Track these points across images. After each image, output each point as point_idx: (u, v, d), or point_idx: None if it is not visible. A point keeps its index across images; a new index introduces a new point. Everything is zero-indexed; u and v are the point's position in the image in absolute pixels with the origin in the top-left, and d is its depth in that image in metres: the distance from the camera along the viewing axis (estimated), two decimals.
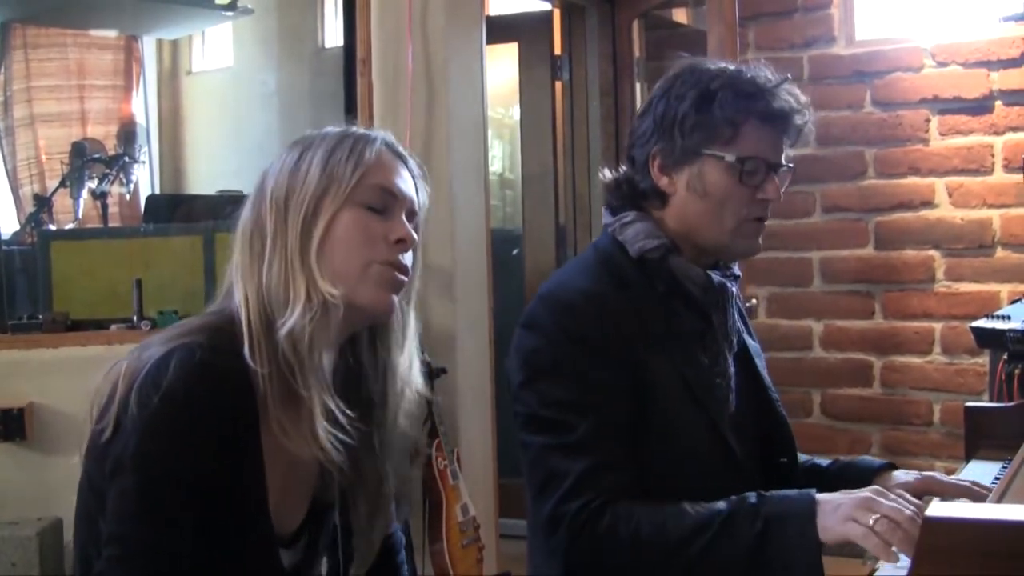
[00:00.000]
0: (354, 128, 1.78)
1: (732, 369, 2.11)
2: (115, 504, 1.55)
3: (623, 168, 2.15)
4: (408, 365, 1.83)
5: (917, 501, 1.74)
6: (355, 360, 1.82)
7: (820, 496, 1.78)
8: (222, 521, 1.59)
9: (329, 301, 1.65)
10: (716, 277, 2.07)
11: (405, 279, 1.73)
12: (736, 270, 2.17)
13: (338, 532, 1.85)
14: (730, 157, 1.99)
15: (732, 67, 2.06)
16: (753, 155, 2.00)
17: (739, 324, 2.17)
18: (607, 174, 2.16)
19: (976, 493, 2.01)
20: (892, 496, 1.74)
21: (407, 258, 1.73)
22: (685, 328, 2.05)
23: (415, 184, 1.79)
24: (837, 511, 1.73)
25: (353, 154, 1.71)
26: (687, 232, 2.05)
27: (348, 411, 1.69)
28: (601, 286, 2.00)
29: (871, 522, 1.68)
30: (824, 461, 2.30)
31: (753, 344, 2.25)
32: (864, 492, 1.75)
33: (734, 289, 2.12)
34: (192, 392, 1.54)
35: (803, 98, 2.05)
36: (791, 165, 2.08)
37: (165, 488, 1.53)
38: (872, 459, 2.24)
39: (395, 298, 1.72)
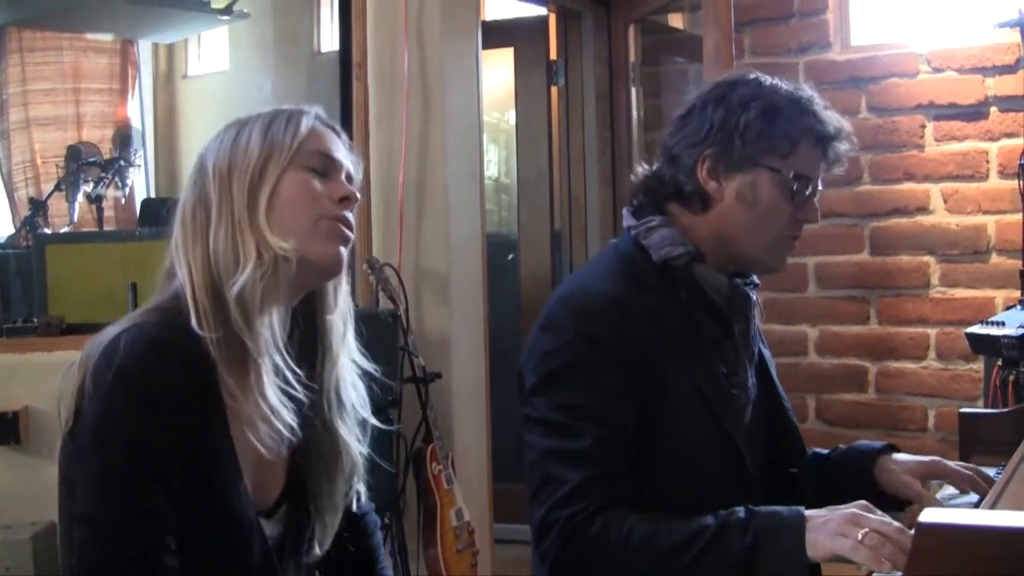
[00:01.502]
0: (284, 106, 1.83)
1: (752, 379, 2.12)
2: (83, 485, 1.59)
3: (651, 167, 2.13)
4: (343, 331, 1.88)
5: (899, 525, 1.75)
6: (304, 329, 1.87)
7: (808, 512, 1.78)
8: (195, 489, 1.62)
9: (280, 256, 1.69)
10: (739, 285, 2.08)
11: (352, 234, 1.78)
12: (755, 278, 2.17)
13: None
14: (787, 172, 1.99)
15: (787, 84, 2.06)
16: (806, 174, 2.01)
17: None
18: (640, 172, 2.14)
19: (979, 484, 2.06)
20: (878, 511, 1.76)
21: (352, 216, 1.79)
22: (705, 336, 2.04)
23: (350, 153, 1.85)
24: (825, 527, 1.74)
25: (290, 124, 1.77)
26: (722, 240, 2.04)
27: (297, 370, 1.74)
28: (622, 290, 1.99)
29: (860, 536, 1.69)
30: (824, 450, 2.32)
31: (767, 352, 2.25)
32: (851, 508, 1.76)
33: (755, 297, 2.13)
34: (144, 365, 1.58)
35: (848, 128, 2.06)
36: (821, 189, 2.08)
37: (128, 462, 1.57)
38: (871, 442, 2.25)
39: (343, 251, 1.77)
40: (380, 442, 3.55)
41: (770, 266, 2.09)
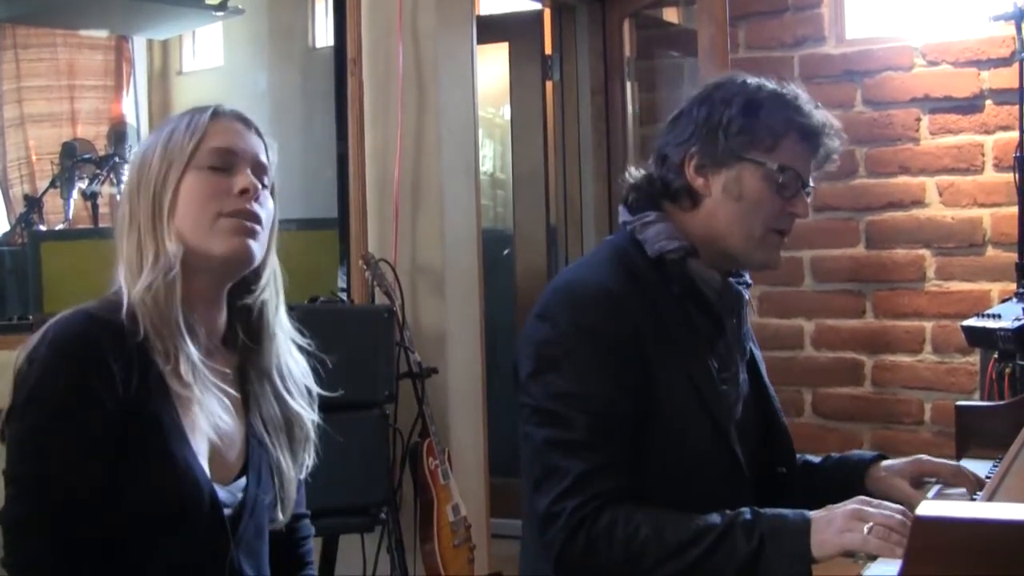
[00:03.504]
0: (200, 107, 1.92)
1: (743, 376, 2.13)
2: (14, 445, 1.69)
3: (645, 169, 2.16)
4: (275, 307, 1.97)
5: (899, 507, 1.77)
6: (239, 311, 1.95)
7: (812, 514, 1.81)
8: (137, 454, 1.72)
9: (175, 258, 1.78)
10: (733, 283, 2.10)
11: (256, 226, 1.85)
12: (748, 278, 2.19)
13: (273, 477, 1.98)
14: (771, 164, 2.01)
15: (773, 83, 2.09)
16: (791, 167, 2.03)
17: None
18: (633, 173, 2.17)
19: (966, 478, 2.08)
20: (876, 503, 1.79)
21: (256, 206, 1.85)
22: (697, 331, 2.06)
23: (261, 141, 1.93)
24: (831, 526, 1.77)
25: (189, 127, 1.86)
26: (712, 236, 2.06)
27: (208, 361, 1.83)
28: (617, 282, 2.01)
29: (866, 530, 1.73)
30: (816, 458, 2.32)
31: (757, 352, 2.26)
32: (851, 504, 1.79)
33: (747, 296, 2.15)
34: (76, 334, 1.71)
35: (837, 124, 2.09)
36: (813, 186, 2.10)
37: (58, 423, 1.68)
38: (863, 452, 2.27)
39: (250, 243, 1.84)
40: (375, 437, 3.57)
41: (760, 261, 2.11)
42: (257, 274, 1.92)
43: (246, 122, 1.93)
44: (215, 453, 1.85)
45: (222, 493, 1.84)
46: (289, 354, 1.99)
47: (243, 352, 1.95)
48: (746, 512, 1.83)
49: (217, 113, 1.89)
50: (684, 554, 1.80)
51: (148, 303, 1.76)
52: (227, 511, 1.84)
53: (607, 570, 1.85)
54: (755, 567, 1.77)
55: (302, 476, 2.03)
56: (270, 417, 1.96)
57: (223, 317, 1.92)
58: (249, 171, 1.86)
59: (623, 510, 1.85)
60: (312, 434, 2.02)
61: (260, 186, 1.86)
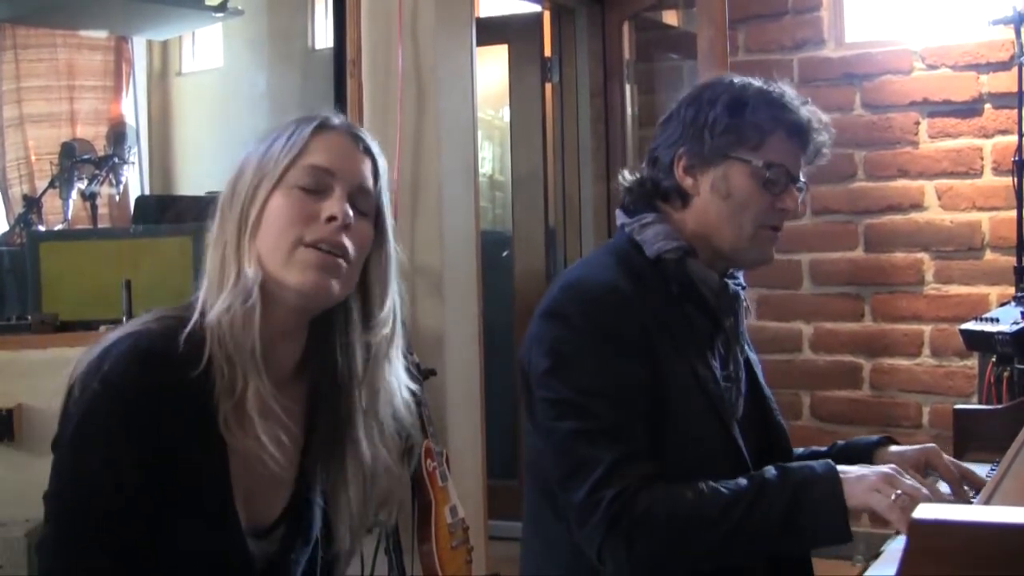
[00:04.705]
0: (311, 114, 1.76)
1: (743, 373, 2.15)
2: (54, 473, 1.61)
3: (639, 171, 2.18)
4: (384, 354, 1.79)
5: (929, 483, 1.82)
6: (329, 344, 1.79)
7: (840, 467, 1.84)
8: (174, 504, 1.61)
9: (253, 284, 1.64)
10: (729, 283, 2.12)
11: (340, 261, 1.67)
12: (742, 280, 2.21)
13: (322, 522, 1.86)
14: (757, 161, 2.04)
15: (760, 81, 2.11)
16: (779, 163, 2.05)
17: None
18: (627, 176, 2.19)
19: (962, 490, 2.06)
20: (907, 475, 1.82)
21: (345, 237, 1.67)
22: (698, 330, 2.08)
23: (371, 160, 1.76)
24: (861, 481, 1.80)
25: (290, 139, 1.71)
26: (705, 234, 2.08)
27: (283, 401, 1.69)
28: (622, 283, 2.02)
29: (894, 496, 1.75)
30: (822, 448, 2.35)
31: (752, 355, 2.27)
32: (884, 468, 1.82)
33: (743, 296, 2.17)
34: (130, 378, 1.57)
35: (825, 118, 2.11)
36: (806, 183, 2.12)
37: (99, 473, 1.57)
38: (869, 436, 2.28)
39: (330, 280, 1.67)
40: None
41: (752, 258, 2.13)
42: (370, 310, 1.77)
43: (355, 138, 1.75)
44: (258, 495, 1.72)
45: (254, 547, 1.72)
46: (385, 400, 1.80)
47: (317, 389, 1.80)
48: (770, 469, 1.87)
49: (324, 126, 1.73)
50: (725, 520, 1.82)
51: (224, 327, 1.62)
52: (259, 557, 1.73)
53: (652, 552, 1.86)
54: (793, 518, 1.80)
55: (375, 531, 1.86)
56: (336, 466, 1.80)
57: (300, 348, 1.77)
58: (345, 196, 1.69)
59: (658, 491, 1.86)
60: (397, 490, 1.87)
61: (353, 214, 1.68)
